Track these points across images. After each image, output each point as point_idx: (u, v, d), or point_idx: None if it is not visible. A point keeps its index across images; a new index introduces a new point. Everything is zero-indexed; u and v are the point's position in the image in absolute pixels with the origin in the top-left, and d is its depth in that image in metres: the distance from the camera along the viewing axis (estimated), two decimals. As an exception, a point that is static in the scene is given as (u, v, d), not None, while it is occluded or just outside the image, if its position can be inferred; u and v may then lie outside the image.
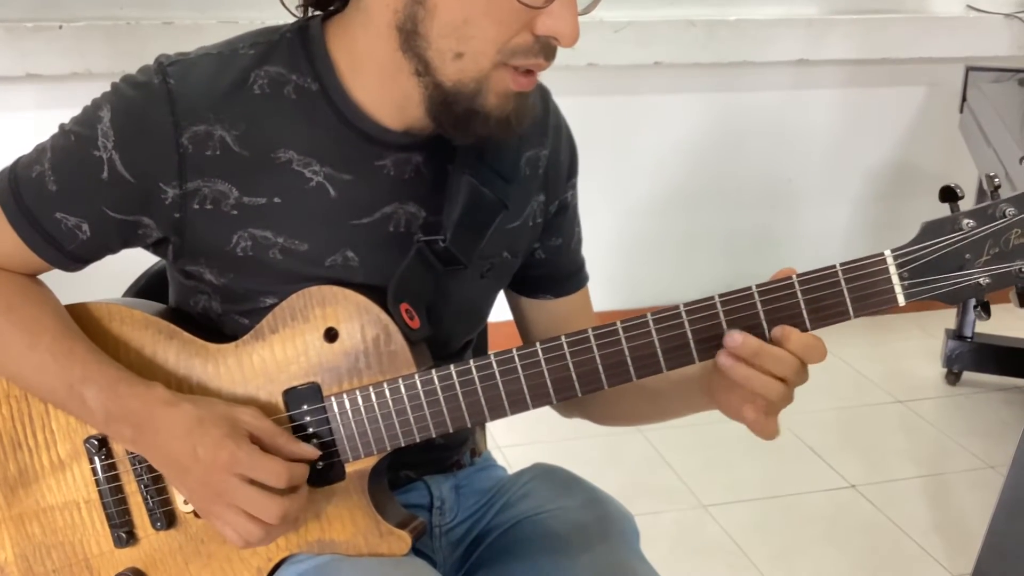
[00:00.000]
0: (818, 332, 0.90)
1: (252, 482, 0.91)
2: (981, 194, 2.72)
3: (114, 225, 0.98)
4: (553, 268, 1.14)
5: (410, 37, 0.91)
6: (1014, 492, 1.76)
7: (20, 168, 0.99)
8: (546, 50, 0.92)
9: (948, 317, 2.95)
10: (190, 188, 0.95)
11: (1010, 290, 0.89)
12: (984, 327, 2.86)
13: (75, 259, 1.01)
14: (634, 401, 1.09)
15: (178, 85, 0.95)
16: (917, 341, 3.15)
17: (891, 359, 3.06)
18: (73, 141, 0.97)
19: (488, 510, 1.13)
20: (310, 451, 0.96)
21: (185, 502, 1.00)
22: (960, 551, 2.16)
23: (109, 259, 1.04)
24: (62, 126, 0.99)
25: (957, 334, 2.87)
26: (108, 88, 0.98)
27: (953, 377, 2.92)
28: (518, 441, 2.27)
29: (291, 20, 1.02)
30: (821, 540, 2.23)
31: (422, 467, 1.11)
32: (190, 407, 0.93)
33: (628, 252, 3.11)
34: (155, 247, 1.03)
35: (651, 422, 1.15)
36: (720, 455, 2.51)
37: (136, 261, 1.16)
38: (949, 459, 2.56)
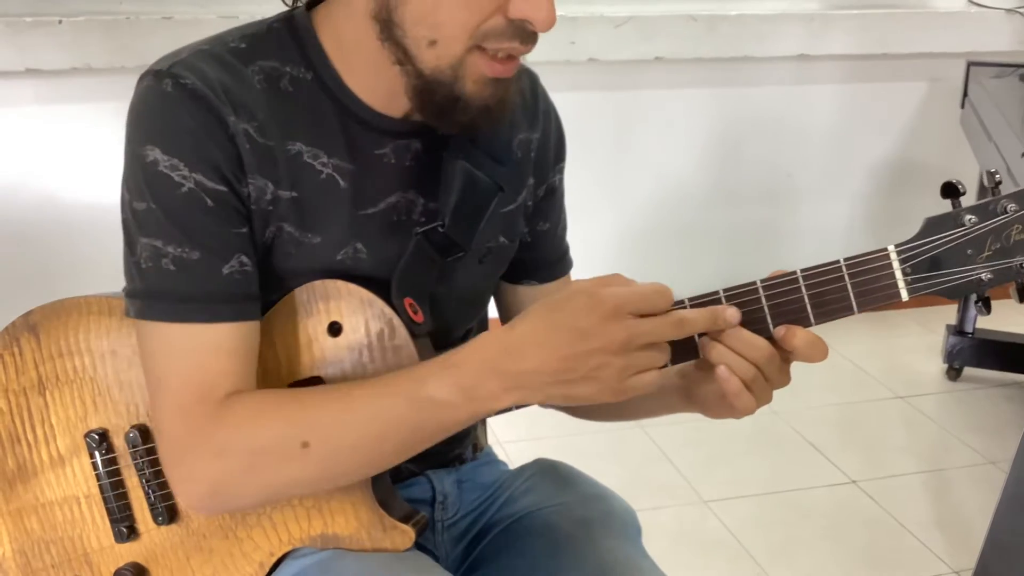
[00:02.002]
0: (819, 327, 0.90)
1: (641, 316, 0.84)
2: (982, 190, 2.72)
3: (252, 240, 0.93)
4: (539, 253, 1.14)
5: (387, 26, 0.90)
6: (1017, 487, 1.76)
7: (149, 284, 0.91)
8: (521, 34, 0.89)
9: (949, 313, 2.95)
10: (250, 181, 0.92)
11: (1010, 286, 0.89)
12: (985, 323, 2.86)
13: (258, 299, 0.94)
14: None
15: (194, 82, 0.90)
16: (918, 337, 3.15)
17: (892, 355, 3.06)
18: (157, 207, 0.90)
19: (490, 505, 1.13)
20: (659, 284, 0.86)
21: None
22: (960, 546, 2.16)
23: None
24: (131, 220, 0.91)
25: (958, 330, 2.87)
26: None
27: (954, 373, 2.92)
28: (519, 437, 2.27)
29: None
30: (822, 536, 2.23)
31: (424, 461, 1.10)
32: (524, 315, 0.86)
33: (628, 247, 3.11)
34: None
35: (624, 420, 1.15)
36: (721, 451, 2.52)
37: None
38: (950, 455, 2.56)
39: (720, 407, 0.94)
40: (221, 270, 0.91)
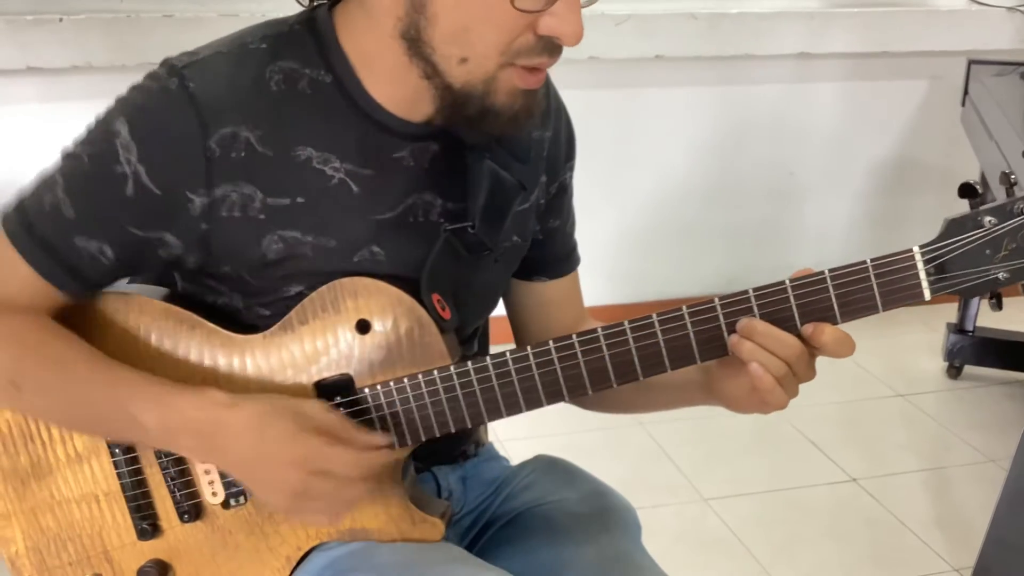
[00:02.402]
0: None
1: (326, 473, 0.91)
2: (984, 187, 2.72)
3: (136, 244, 0.95)
4: (549, 250, 1.14)
5: (414, 44, 0.91)
6: (1017, 484, 1.76)
7: (28, 201, 0.96)
8: (550, 48, 0.91)
9: (949, 311, 2.95)
10: (218, 195, 0.93)
11: (1019, 284, 0.92)
12: (985, 321, 2.86)
13: (93, 287, 0.98)
14: (626, 390, 1.09)
15: (198, 88, 0.92)
16: (918, 335, 3.15)
17: (892, 353, 3.06)
18: (87, 162, 0.94)
19: (493, 501, 1.14)
20: (380, 439, 0.94)
21: (213, 493, 0.99)
22: (961, 544, 2.17)
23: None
24: (67, 153, 0.95)
25: (958, 328, 2.87)
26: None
27: (954, 371, 2.92)
28: (520, 435, 2.27)
29: (291, 12, 1.01)
30: (822, 534, 2.23)
31: (429, 458, 1.11)
32: (251, 405, 0.92)
33: (629, 246, 3.11)
34: (164, 272, 1.01)
35: (637, 412, 1.17)
36: (721, 449, 2.52)
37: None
38: (950, 453, 2.56)
39: (747, 402, 0.97)
40: (74, 239, 0.94)
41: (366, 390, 0.96)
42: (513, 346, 0.97)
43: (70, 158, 0.95)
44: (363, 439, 0.93)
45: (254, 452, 0.91)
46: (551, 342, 0.93)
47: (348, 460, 0.91)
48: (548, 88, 1.10)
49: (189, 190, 0.93)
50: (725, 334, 0.92)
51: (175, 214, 0.94)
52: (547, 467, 1.15)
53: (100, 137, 0.94)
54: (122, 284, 1.08)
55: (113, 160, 0.92)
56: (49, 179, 0.96)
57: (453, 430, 0.96)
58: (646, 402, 1.12)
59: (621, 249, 3.09)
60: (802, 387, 0.95)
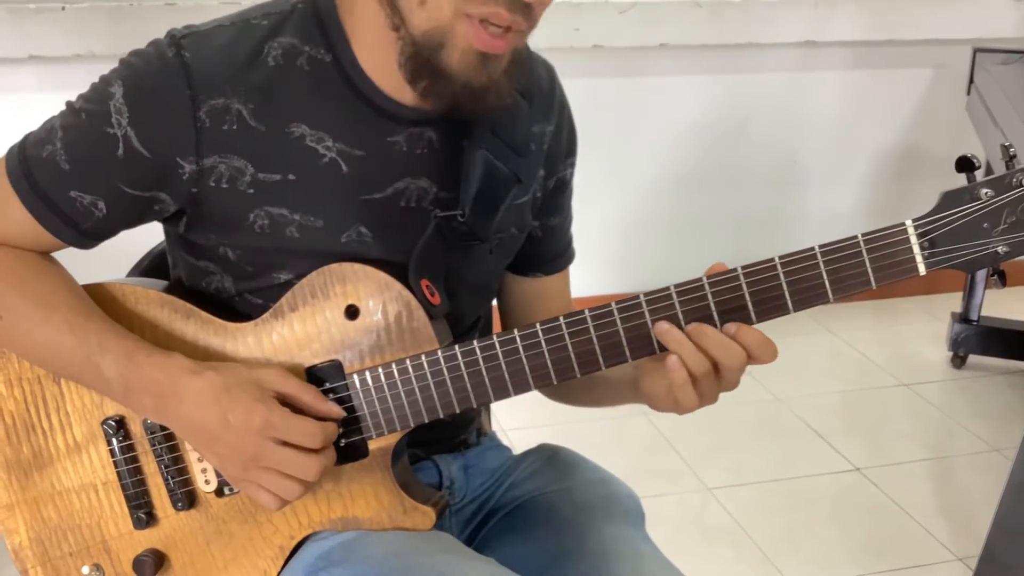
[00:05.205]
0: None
1: (285, 443, 0.91)
2: (988, 175, 2.71)
3: (130, 201, 0.97)
4: (548, 247, 1.15)
5: None
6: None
7: (30, 148, 0.98)
8: (507, 2, 0.88)
9: (954, 300, 2.95)
10: (207, 164, 0.95)
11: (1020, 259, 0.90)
12: (990, 310, 2.86)
13: (90, 236, 1.00)
14: (577, 387, 1.08)
15: (193, 58, 0.94)
16: (923, 324, 3.15)
17: (896, 342, 3.06)
18: (84, 119, 0.96)
19: (495, 490, 1.14)
20: (336, 410, 0.95)
21: (206, 481, 0.99)
22: (964, 534, 2.17)
23: (107, 241, 1.03)
24: (70, 103, 0.98)
25: (963, 317, 2.86)
26: (114, 65, 0.97)
27: (959, 360, 2.91)
28: (522, 424, 2.27)
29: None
30: (826, 523, 2.23)
31: (431, 446, 1.11)
32: (214, 374, 0.92)
33: (632, 234, 3.10)
34: (168, 220, 1.02)
35: (585, 406, 1.17)
36: (724, 438, 2.51)
37: (138, 241, 1.15)
38: (954, 442, 2.56)
39: (663, 400, 0.95)
40: (70, 192, 0.97)
41: (355, 376, 0.96)
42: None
43: (72, 111, 0.97)
44: (320, 407, 0.94)
45: (212, 420, 0.91)
46: (538, 325, 0.93)
47: (307, 429, 0.91)
48: (553, 81, 1.10)
49: (179, 156, 0.95)
50: (715, 314, 0.90)
51: (166, 176, 0.96)
52: (550, 456, 1.15)
53: (98, 95, 0.96)
54: (119, 276, 1.08)
55: (105, 121, 0.94)
56: (52, 127, 0.97)
57: (442, 415, 0.96)
58: (590, 397, 1.12)
59: (624, 237, 3.08)
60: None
